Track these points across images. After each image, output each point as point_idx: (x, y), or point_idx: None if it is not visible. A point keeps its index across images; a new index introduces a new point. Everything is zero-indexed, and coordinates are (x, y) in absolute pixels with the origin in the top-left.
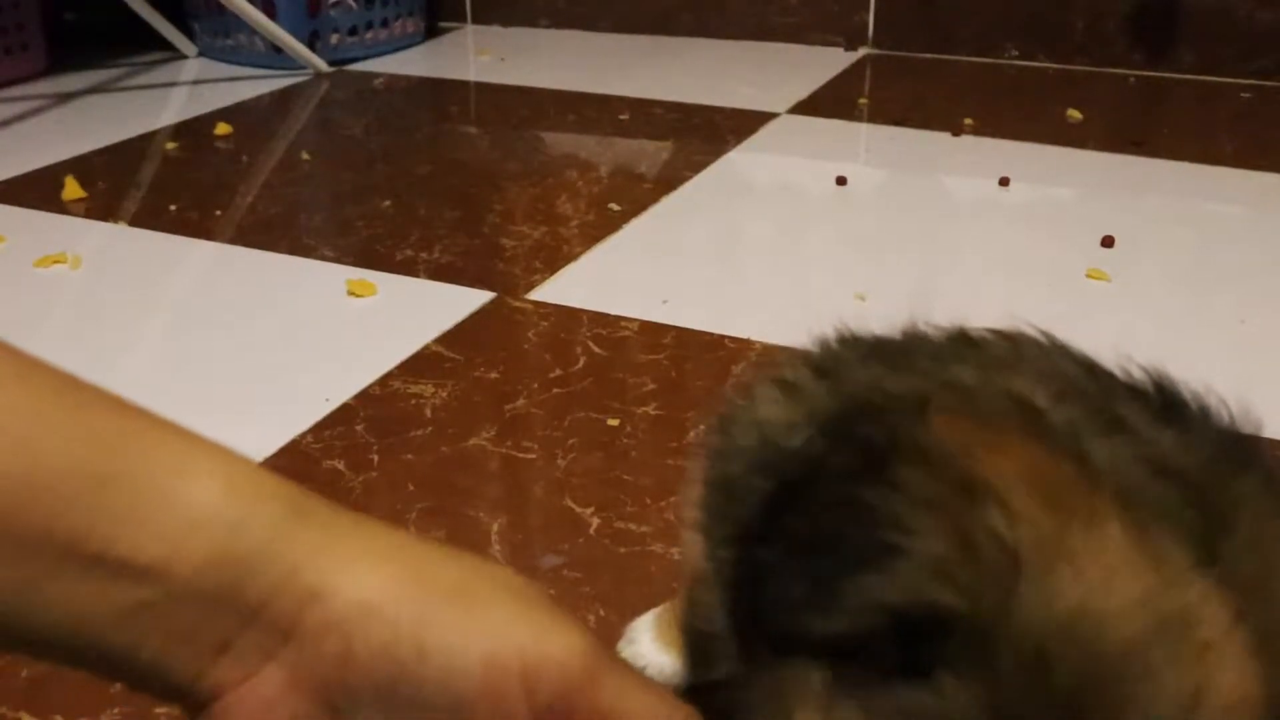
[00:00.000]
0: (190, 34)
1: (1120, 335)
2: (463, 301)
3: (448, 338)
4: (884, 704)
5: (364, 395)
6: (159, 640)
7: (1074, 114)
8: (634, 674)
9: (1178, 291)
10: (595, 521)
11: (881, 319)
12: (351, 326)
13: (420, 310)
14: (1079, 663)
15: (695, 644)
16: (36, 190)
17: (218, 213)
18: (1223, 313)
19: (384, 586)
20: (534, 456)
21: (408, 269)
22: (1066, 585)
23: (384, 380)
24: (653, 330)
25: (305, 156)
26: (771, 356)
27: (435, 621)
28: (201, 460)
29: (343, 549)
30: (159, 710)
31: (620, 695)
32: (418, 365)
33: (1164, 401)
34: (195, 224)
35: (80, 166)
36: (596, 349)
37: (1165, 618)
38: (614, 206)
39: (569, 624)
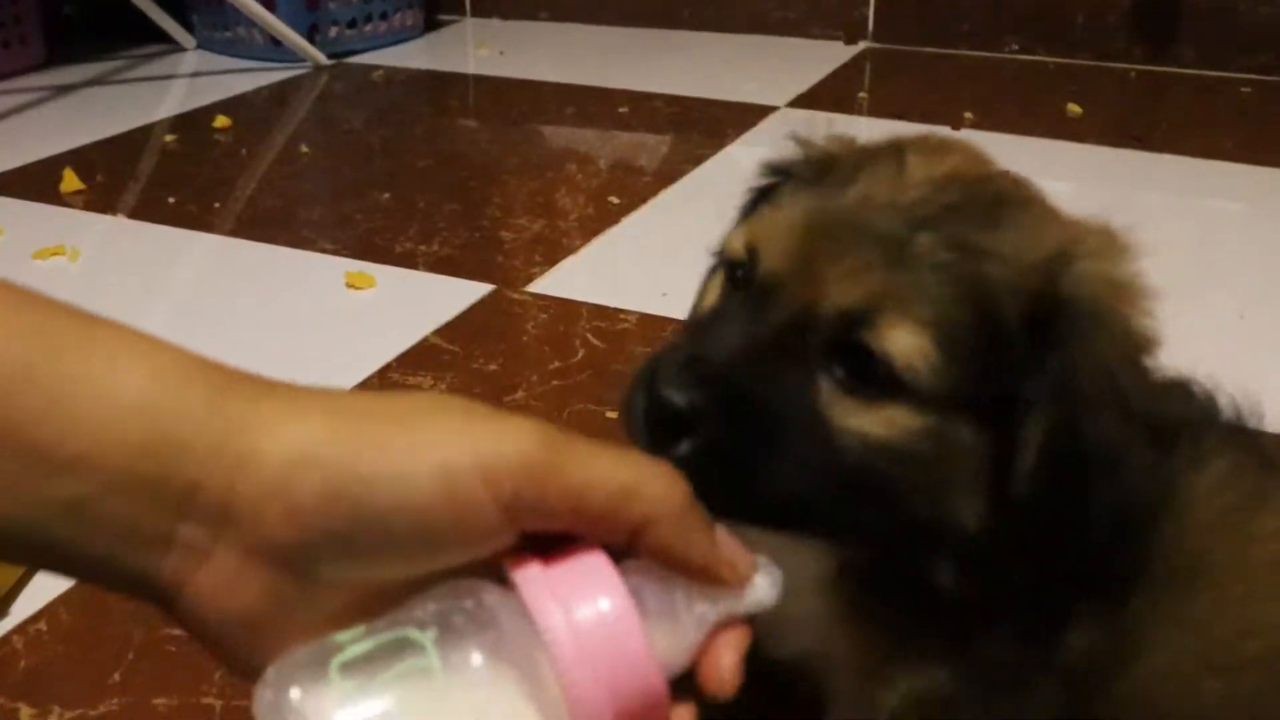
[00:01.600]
0: (189, 26)
1: None
2: (462, 294)
3: (447, 330)
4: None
5: (363, 387)
6: (106, 536)
7: (1074, 108)
8: (599, 446)
9: (1177, 286)
10: None
11: None
12: (350, 319)
13: (419, 302)
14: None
15: None
16: (35, 182)
17: (217, 205)
18: (1222, 308)
19: (312, 434)
20: None
21: (407, 261)
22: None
23: (383, 372)
24: (652, 323)
25: (304, 149)
26: None
27: (375, 450)
28: (128, 349)
29: (267, 412)
30: (157, 700)
31: (587, 466)
32: (416, 357)
33: None
34: (194, 217)
35: (79, 159)
36: (596, 341)
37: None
38: (613, 200)
39: (521, 420)
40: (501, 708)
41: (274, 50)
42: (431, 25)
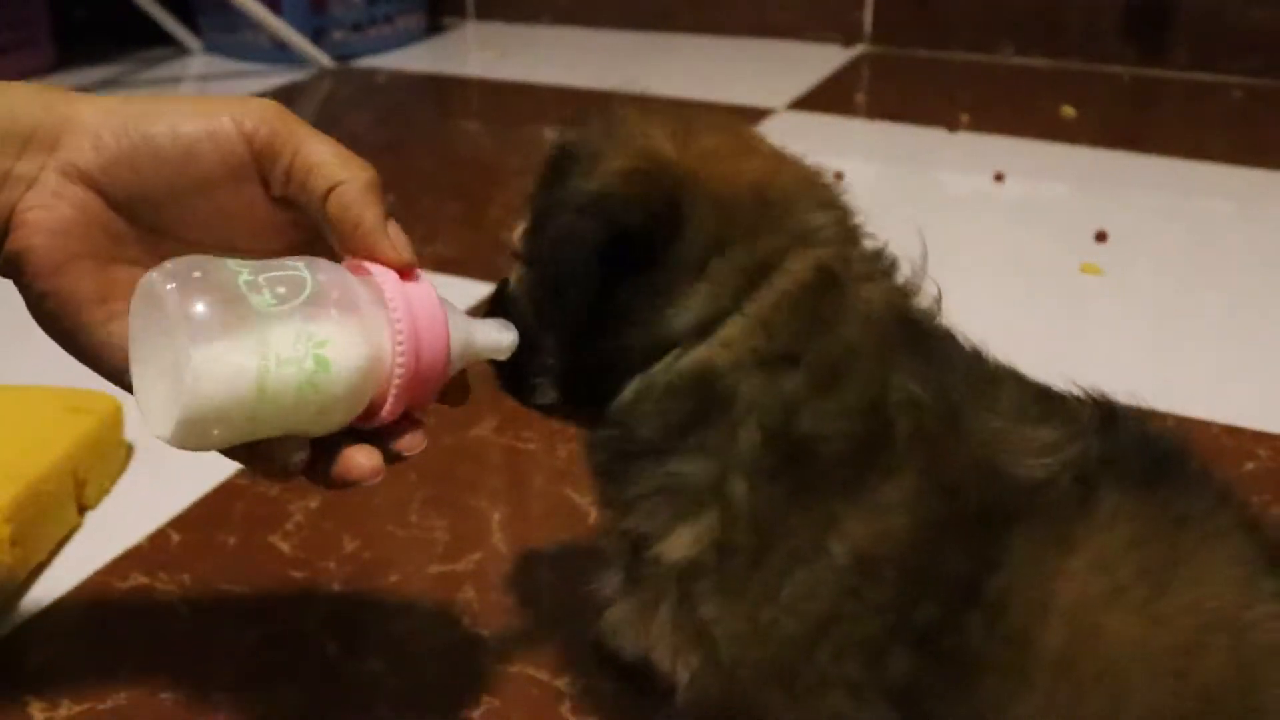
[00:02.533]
0: (196, 29)
1: (1113, 328)
2: (465, 294)
3: None
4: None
5: None
6: None
7: (1068, 110)
8: (326, 136)
9: (1169, 285)
10: (594, 511)
11: None
12: None
13: None
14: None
15: None
16: None
17: None
18: (1213, 307)
19: (116, 103)
20: (534, 447)
21: None
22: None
23: None
24: None
25: None
26: None
27: (157, 108)
28: None
29: (71, 96)
30: (164, 695)
31: (311, 139)
32: None
33: None
34: None
35: None
36: None
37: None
38: None
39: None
40: (348, 335)
41: (279, 53)
42: (434, 29)
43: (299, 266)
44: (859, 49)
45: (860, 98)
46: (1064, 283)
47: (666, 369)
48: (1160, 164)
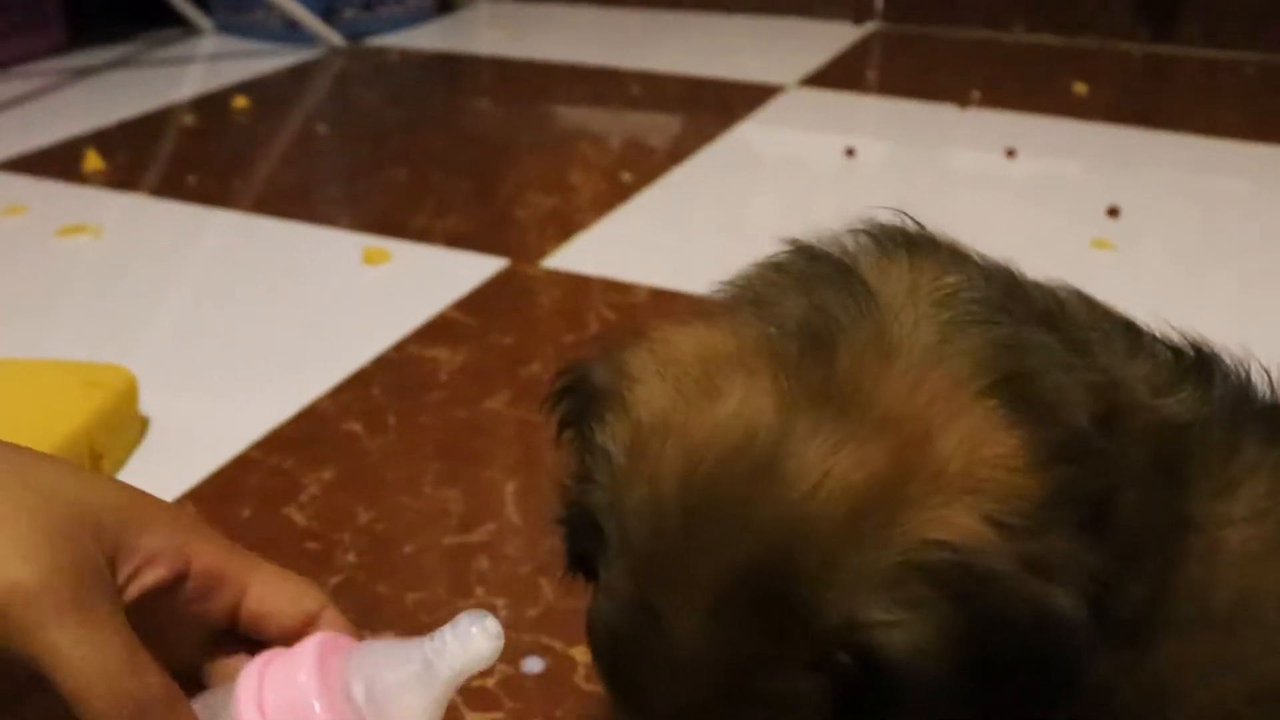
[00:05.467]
0: (206, 9)
1: (1124, 304)
2: (477, 268)
3: (463, 304)
4: None
5: (380, 360)
6: None
7: (1080, 87)
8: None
9: (1181, 262)
10: None
11: None
12: (368, 293)
13: (435, 277)
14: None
15: None
16: (58, 162)
17: (236, 183)
18: (1225, 283)
19: None
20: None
21: (423, 237)
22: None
23: (400, 345)
24: (664, 297)
25: (321, 129)
26: None
27: None
28: None
29: None
30: None
31: (33, 641)
32: (433, 331)
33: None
34: (214, 194)
35: (101, 139)
36: (609, 314)
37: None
38: (625, 176)
39: (34, 556)
40: None
41: (291, 32)
42: (445, 7)
43: None
44: (870, 26)
45: (871, 74)
46: (1075, 258)
47: None
48: (1172, 140)
